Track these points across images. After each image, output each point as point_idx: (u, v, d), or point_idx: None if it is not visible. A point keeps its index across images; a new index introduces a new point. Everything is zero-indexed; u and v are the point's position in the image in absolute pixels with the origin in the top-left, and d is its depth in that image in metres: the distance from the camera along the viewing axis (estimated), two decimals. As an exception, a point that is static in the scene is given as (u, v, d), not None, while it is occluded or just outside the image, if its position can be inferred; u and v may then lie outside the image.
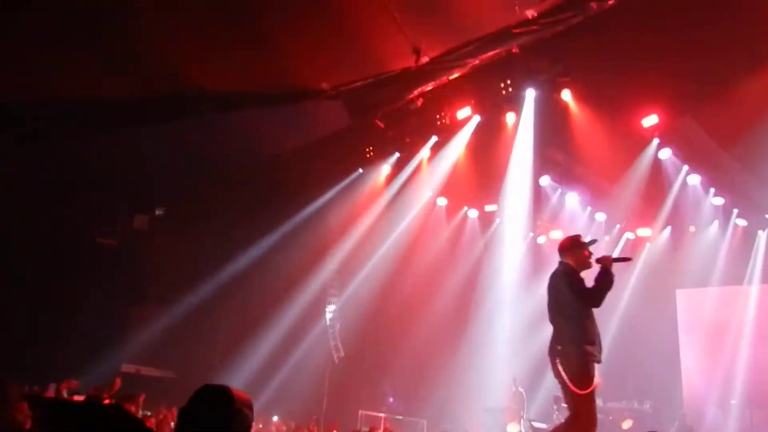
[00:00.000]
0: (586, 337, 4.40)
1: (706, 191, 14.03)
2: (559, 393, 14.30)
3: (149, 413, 6.97)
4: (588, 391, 4.30)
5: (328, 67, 10.29)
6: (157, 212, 11.81)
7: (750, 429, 13.01)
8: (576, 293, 4.52)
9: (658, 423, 12.72)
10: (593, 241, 4.77)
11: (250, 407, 2.46)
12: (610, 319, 13.22)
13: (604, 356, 4.51)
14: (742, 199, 14.22)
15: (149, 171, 10.77)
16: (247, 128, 11.42)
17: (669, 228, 15.23)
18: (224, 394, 2.30)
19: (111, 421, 2.45)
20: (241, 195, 11.79)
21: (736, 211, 14.49)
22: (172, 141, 10.73)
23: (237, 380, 10.62)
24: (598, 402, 13.88)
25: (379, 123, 12.37)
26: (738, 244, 14.59)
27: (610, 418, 12.62)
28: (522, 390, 13.26)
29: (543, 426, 12.57)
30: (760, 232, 14.52)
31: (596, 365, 4.44)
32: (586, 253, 4.61)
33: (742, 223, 14.59)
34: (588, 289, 4.50)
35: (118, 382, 8.35)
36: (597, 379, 4.37)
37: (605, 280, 4.47)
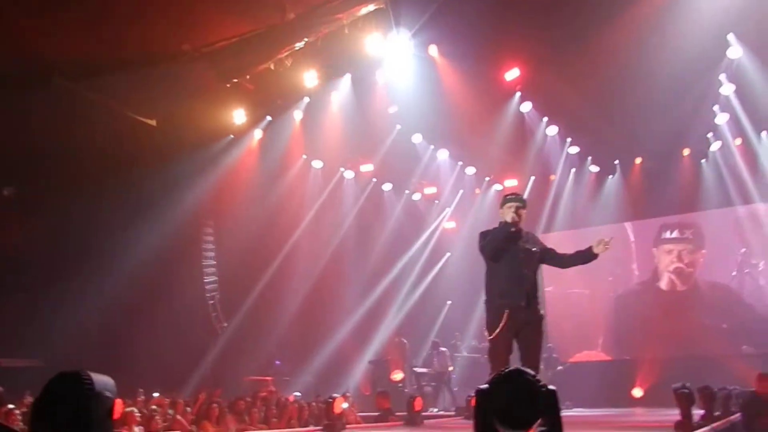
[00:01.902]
0: (496, 289, 4.61)
1: (564, 141, 15.10)
2: (437, 338, 15.12)
3: (12, 406, 6.48)
4: (493, 336, 4.55)
5: (188, 28, 9.73)
6: (5, 192, 10.72)
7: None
8: (480, 249, 4.73)
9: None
10: (514, 197, 4.78)
11: (113, 390, 2.35)
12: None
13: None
14: (595, 147, 15.47)
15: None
16: (104, 97, 10.59)
17: (533, 177, 16.25)
18: (79, 379, 2.17)
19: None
20: (103, 169, 10.96)
21: (590, 158, 15.75)
22: (18, 115, 9.70)
23: (113, 363, 10.05)
24: (474, 343, 14.56)
25: (248, 85, 11.94)
26: (592, 188, 15.92)
27: (484, 356, 13.50)
28: (404, 340, 13.82)
29: (424, 371, 13.27)
30: (610, 177, 15.90)
31: (521, 307, 4.53)
32: (506, 209, 4.66)
33: (594, 169, 15.89)
34: (483, 244, 4.69)
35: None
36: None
37: (496, 233, 4.64)
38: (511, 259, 4.59)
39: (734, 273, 14.12)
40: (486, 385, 2.53)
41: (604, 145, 15.16)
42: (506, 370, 2.60)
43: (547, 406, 2.43)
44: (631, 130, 13.73)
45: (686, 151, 14.78)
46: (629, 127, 13.50)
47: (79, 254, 10.24)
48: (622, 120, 13.32)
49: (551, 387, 2.50)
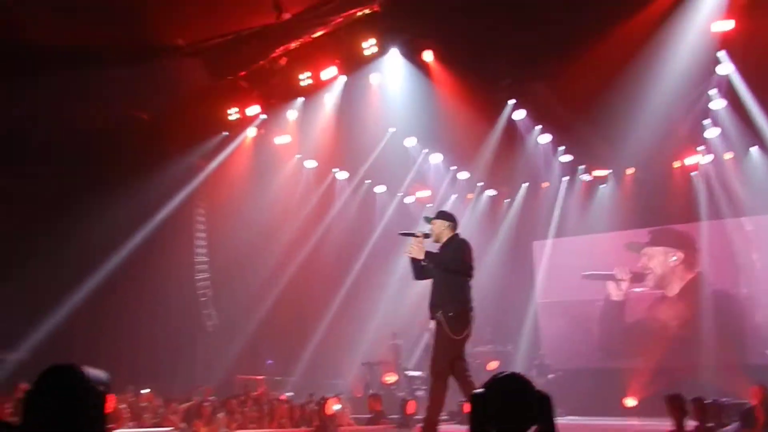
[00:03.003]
0: None
1: (556, 149, 15.14)
2: (431, 341, 15.08)
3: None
4: None
5: (183, 23, 9.72)
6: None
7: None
8: None
9: (520, 362, 13.85)
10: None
11: (106, 384, 2.32)
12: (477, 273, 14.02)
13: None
14: (587, 156, 15.51)
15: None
16: (98, 89, 10.52)
17: (525, 184, 16.29)
18: (72, 372, 2.15)
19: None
20: (93, 161, 10.88)
21: (582, 167, 15.80)
22: (7, 103, 9.62)
23: (101, 358, 9.99)
24: (468, 347, 14.87)
25: (242, 83, 11.92)
26: (583, 197, 15.97)
27: (477, 361, 13.46)
28: (400, 343, 13.73)
29: (417, 374, 13.20)
30: (601, 186, 15.95)
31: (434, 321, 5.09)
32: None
33: (586, 178, 15.94)
34: None
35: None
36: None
37: None
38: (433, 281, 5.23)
39: (735, 284, 14.10)
40: (481, 390, 2.55)
41: (595, 155, 15.22)
42: (501, 375, 2.61)
43: (542, 411, 2.45)
44: (623, 141, 13.76)
45: (677, 164, 14.88)
46: (621, 137, 13.52)
47: (68, 246, 10.14)
48: (615, 130, 13.35)
49: (546, 393, 2.53)
